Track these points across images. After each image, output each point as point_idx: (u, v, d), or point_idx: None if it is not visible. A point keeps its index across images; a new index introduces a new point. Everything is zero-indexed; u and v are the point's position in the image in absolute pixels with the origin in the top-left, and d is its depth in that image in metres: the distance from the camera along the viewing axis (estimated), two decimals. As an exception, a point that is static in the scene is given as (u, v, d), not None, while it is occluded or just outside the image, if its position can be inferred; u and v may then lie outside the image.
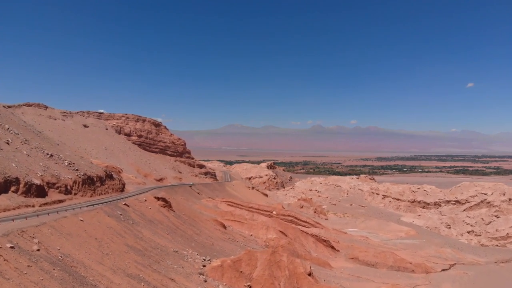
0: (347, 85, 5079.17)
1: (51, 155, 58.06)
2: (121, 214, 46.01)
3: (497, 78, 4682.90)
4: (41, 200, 44.63)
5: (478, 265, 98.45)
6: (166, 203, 66.89)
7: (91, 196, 57.68)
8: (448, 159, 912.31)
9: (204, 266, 41.76)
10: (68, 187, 52.97)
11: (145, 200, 61.38)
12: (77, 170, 58.65)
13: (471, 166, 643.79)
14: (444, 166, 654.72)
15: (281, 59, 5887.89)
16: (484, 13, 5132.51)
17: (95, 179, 62.71)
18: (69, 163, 59.17)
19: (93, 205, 44.68)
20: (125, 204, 52.38)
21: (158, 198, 66.31)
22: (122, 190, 76.12)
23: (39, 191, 46.51)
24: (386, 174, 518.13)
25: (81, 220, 35.36)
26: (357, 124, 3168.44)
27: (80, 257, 28.46)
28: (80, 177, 57.40)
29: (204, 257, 46.34)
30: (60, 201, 47.75)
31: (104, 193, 64.12)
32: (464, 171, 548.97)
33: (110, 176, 72.03)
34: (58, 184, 51.10)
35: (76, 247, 29.71)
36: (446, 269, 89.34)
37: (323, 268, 74.29)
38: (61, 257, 27.22)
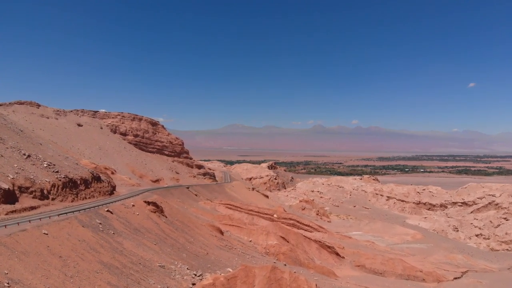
0: (348, 85, 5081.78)
1: (29, 156, 52.50)
2: (100, 223, 40.37)
3: (499, 78, 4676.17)
4: (9, 207, 39.09)
5: (491, 272, 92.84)
6: (157, 208, 61.30)
7: (72, 201, 52.12)
8: (449, 159, 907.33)
9: (193, 284, 36.22)
10: (45, 192, 47.43)
11: (133, 205, 55.74)
12: (57, 172, 53.08)
13: (473, 166, 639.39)
14: (446, 166, 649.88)
15: (282, 59, 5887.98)
16: (485, 12, 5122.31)
17: (78, 182, 57.12)
18: (49, 165, 53.62)
19: (66, 213, 38.95)
20: (107, 211, 46.74)
21: (148, 202, 60.71)
22: (111, 193, 70.57)
23: (8, 196, 41.00)
24: (388, 174, 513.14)
25: (44, 233, 29.82)
26: (358, 124, 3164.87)
27: (34, 283, 22.95)
28: (60, 180, 51.84)
29: (195, 272, 40.74)
30: (33, 208, 42.21)
31: (89, 197, 58.54)
32: (466, 171, 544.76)
33: (97, 178, 66.47)
34: (33, 188, 45.57)
35: (31, 270, 24.17)
36: (458, 277, 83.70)
37: (327, 278, 68.65)
38: (8, 283, 21.71)
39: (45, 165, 53.08)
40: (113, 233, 40.04)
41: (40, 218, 34.13)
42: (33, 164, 51.49)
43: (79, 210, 42.06)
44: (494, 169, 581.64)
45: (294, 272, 63.88)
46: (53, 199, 48.31)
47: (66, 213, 39.05)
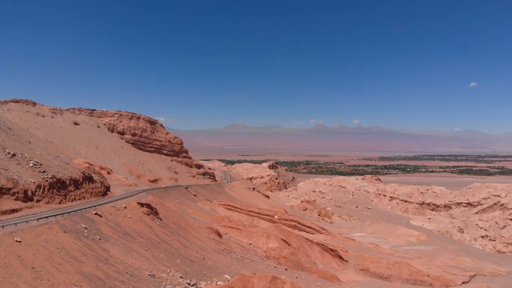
0: (350, 85, 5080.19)
1: (14, 155, 49.34)
2: (85, 228, 37.12)
3: (500, 77, 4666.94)
4: (-14, 211, 35.89)
5: (500, 276, 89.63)
6: (151, 210, 58.06)
7: (59, 203, 48.90)
8: (451, 158, 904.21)
9: (186, 295, 33.04)
10: (29, 193, 44.20)
11: (125, 207, 52.50)
12: (44, 172, 49.88)
13: (474, 166, 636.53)
14: (447, 166, 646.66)
15: (283, 59, 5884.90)
16: (487, 12, 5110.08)
17: (67, 182, 53.89)
18: (35, 164, 50.41)
19: (47, 217, 35.67)
20: (96, 214, 43.52)
21: (142, 204, 57.49)
22: (105, 194, 67.35)
23: (-13, 198, 37.82)
24: (389, 174, 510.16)
25: (17, 241, 26.65)
26: (360, 124, 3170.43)
27: (-5, 301, 19.84)
28: (46, 181, 48.63)
29: (188, 281, 37.50)
30: (14, 211, 38.99)
31: (79, 199, 55.32)
32: (468, 171, 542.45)
33: (89, 178, 63.25)
34: (15, 189, 42.34)
35: (-5, 285, 21.03)
36: (466, 282, 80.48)
37: (331, 283, 65.36)
38: (-37, 303, 18.58)
39: (31, 164, 49.89)
40: (100, 239, 36.80)
41: (15, 223, 30.87)
42: (18, 164, 48.31)
43: (62, 214, 38.72)
44: (496, 169, 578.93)
45: (296, 277, 60.72)
46: (38, 201, 45.11)
47: (47, 217, 35.65)
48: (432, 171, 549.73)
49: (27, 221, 32.40)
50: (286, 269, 63.54)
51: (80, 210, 43.78)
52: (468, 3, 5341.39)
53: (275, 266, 63.28)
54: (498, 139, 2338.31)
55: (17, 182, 43.31)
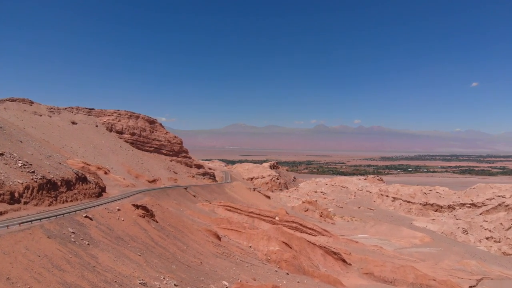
0: (351, 85, 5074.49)
1: (1, 154, 46.96)
2: (73, 232, 34.66)
3: (502, 77, 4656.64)
4: (-33, 214, 33.51)
5: (507, 279, 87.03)
6: (147, 212, 55.61)
7: (49, 205, 46.54)
8: (452, 159, 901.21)
9: (180, 305, 30.68)
10: (16, 195, 41.82)
11: (119, 209, 50.09)
12: (33, 172, 47.49)
13: (476, 166, 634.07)
14: (449, 166, 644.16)
15: (284, 59, 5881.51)
16: (488, 11, 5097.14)
17: (59, 183, 51.50)
18: (24, 164, 48.02)
19: (31, 221, 33.17)
20: (86, 217, 41.12)
21: (137, 206, 55.03)
22: (99, 195, 64.98)
23: (-31, 201, 35.45)
24: (390, 174, 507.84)
25: (-8, 249, 24.38)
26: (361, 124, 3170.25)
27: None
28: (36, 182, 46.24)
29: (183, 289, 35.10)
30: (-1, 214, 36.63)
31: (71, 200, 52.96)
32: (470, 171, 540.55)
33: (82, 179, 60.86)
34: (1, 191, 39.92)
35: (-40, 301, 18.68)
36: (473, 286, 78.04)
37: (333, 287, 63.01)
38: None
39: (19, 164, 47.51)
40: (88, 244, 34.36)
41: (-4, 228, 28.56)
42: (6, 164, 45.93)
43: (49, 217, 36.23)
44: (497, 169, 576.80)
45: (298, 281, 58.29)
46: (25, 203, 42.71)
47: (30, 221, 33.15)
48: (433, 171, 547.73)
49: (7, 226, 30.00)
50: (288, 273, 61.17)
51: (69, 213, 41.34)
52: (468, 3, 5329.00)
53: (276, 270, 60.90)
54: (499, 139, 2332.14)
55: (3, 183, 40.93)
